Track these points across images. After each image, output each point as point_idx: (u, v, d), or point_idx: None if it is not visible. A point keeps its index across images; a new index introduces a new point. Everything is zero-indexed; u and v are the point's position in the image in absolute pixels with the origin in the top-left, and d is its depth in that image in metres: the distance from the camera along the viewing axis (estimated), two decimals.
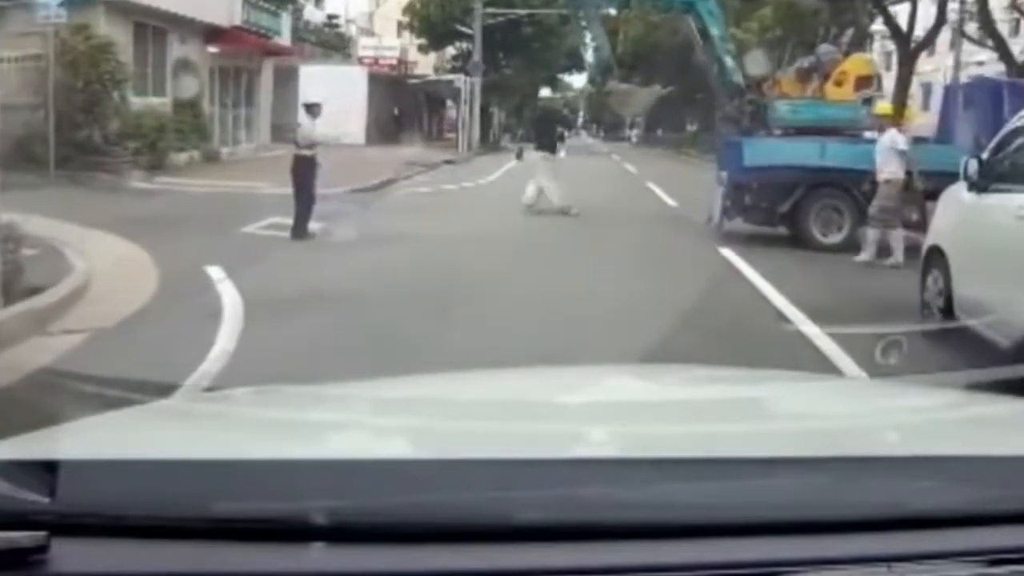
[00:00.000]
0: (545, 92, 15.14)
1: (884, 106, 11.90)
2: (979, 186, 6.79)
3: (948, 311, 6.69)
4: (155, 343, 5.92)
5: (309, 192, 11.39)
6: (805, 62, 14.58)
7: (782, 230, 12.60)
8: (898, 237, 10.89)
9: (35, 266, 7.67)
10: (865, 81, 13.83)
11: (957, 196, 7.27)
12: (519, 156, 18.33)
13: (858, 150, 12.41)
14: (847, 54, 14.94)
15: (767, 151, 12.69)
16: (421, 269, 9.22)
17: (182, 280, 8.09)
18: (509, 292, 8.34)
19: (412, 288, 8.20)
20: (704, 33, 14.68)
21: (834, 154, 12.27)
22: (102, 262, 8.37)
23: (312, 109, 11.68)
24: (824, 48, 15.16)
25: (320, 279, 8.63)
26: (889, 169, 10.96)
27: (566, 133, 26.53)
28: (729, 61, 14.55)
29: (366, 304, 7.48)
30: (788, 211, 12.36)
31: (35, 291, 6.76)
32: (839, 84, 13.69)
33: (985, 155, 7.02)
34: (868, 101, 13.72)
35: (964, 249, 6.81)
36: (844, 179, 12.14)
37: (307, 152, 11.39)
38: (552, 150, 15.56)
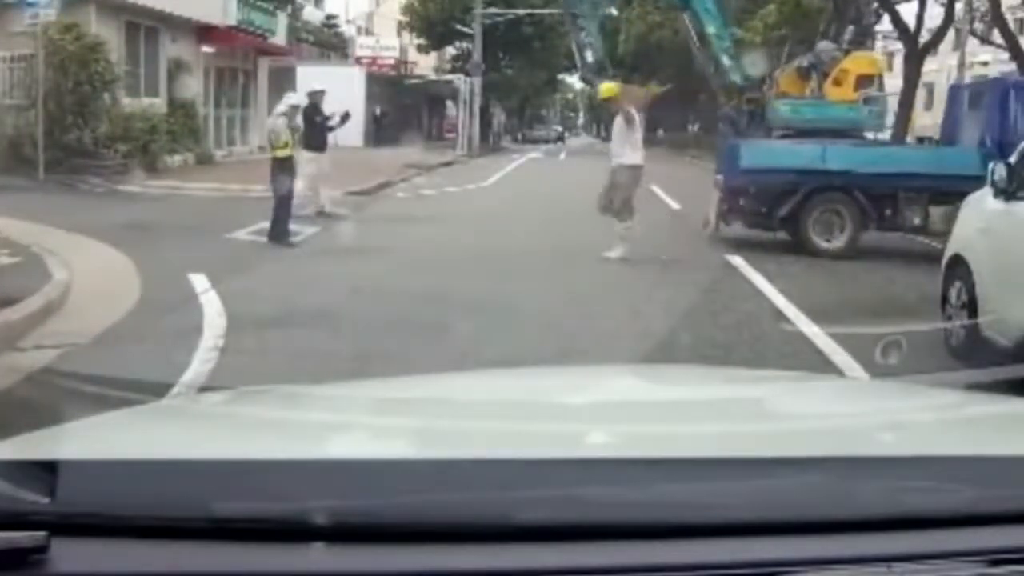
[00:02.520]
0: (316, 85, 13.45)
1: (610, 86, 11.34)
2: (1007, 192, 6.33)
3: (974, 327, 6.10)
4: (129, 362, 5.58)
5: (286, 195, 11.18)
6: (804, 60, 14.37)
7: (782, 235, 12.31)
8: (630, 229, 10.59)
9: (14, 274, 7.57)
10: (867, 80, 13.56)
11: (982, 203, 6.80)
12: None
13: (860, 152, 12.16)
14: (848, 52, 14.70)
15: (765, 153, 12.37)
16: (414, 284, 8.66)
17: (163, 291, 7.77)
18: (508, 302, 8.06)
19: (401, 306, 7.67)
20: (701, 31, 14.54)
21: (835, 156, 11.95)
22: (83, 270, 8.12)
23: (290, 112, 11.51)
24: (823, 45, 14.89)
25: (308, 292, 8.22)
26: (624, 155, 10.58)
27: (566, 134, 26.09)
28: (726, 60, 14.35)
29: (353, 322, 7.10)
30: (787, 215, 12.03)
31: (10, 302, 6.44)
32: (839, 83, 13.41)
33: (1013, 159, 6.51)
34: (873, 101, 13.52)
35: (991, 259, 6.28)
36: (846, 182, 11.84)
37: (283, 153, 11.23)
38: (319, 148, 13.70)
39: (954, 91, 14.35)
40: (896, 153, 12.80)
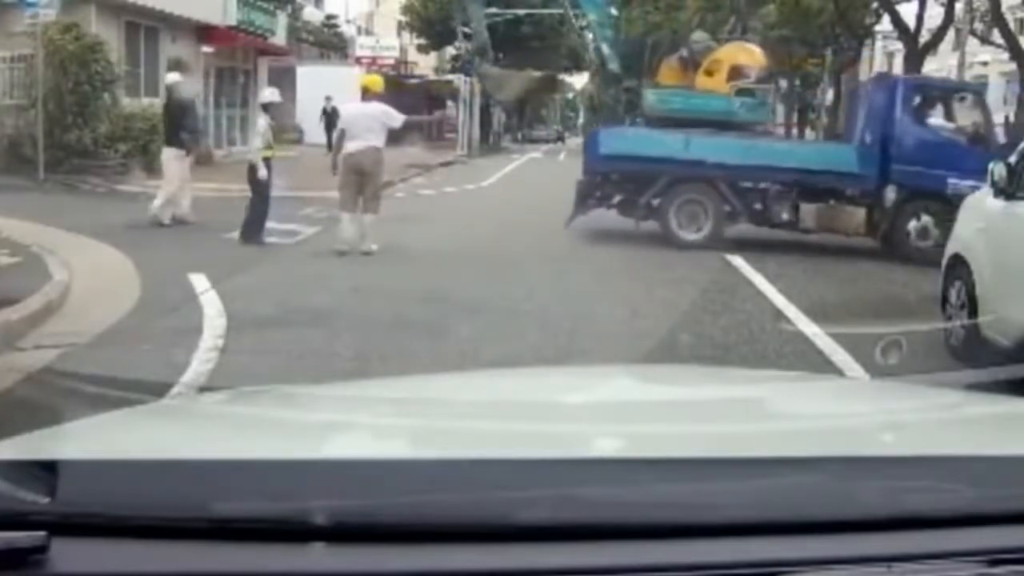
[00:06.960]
0: (174, 76, 13.78)
1: (372, 77, 11.41)
2: (1007, 192, 6.27)
3: (974, 327, 6.06)
4: (129, 362, 5.52)
5: (263, 194, 11.01)
6: (685, 51, 14.15)
7: (652, 224, 12.07)
8: (356, 221, 10.39)
9: (14, 274, 7.57)
10: (741, 71, 13.09)
11: (982, 203, 6.73)
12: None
13: (726, 143, 11.95)
14: (725, 42, 14.50)
15: (626, 141, 12.16)
16: (414, 284, 8.59)
17: (163, 291, 7.73)
18: (507, 302, 8.03)
19: (401, 306, 7.61)
20: (582, 18, 14.40)
21: (699, 147, 11.71)
22: (83, 270, 8.11)
23: (269, 109, 11.41)
24: (696, 35, 14.82)
25: (308, 292, 8.16)
26: (353, 145, 10.26)
27: (566, 134, 26.00)
28: (606, 48, 14.10)
29: (352, 322, 7.06)
30: (649, 204, 11.91)
31: (10, 302, 6.44)
32: (710, 73, 12.99)
33: (1013, 158, 6.40)
34: (748, 93, 13.07)
35: (991, 259, 6.23)
36: (708, 173, 11.66)
37: (265, 153, 11.03)
38: (183, 146, 12.42)
39: (854, 88, 14.16)
40: (764, 146, 12.43)
